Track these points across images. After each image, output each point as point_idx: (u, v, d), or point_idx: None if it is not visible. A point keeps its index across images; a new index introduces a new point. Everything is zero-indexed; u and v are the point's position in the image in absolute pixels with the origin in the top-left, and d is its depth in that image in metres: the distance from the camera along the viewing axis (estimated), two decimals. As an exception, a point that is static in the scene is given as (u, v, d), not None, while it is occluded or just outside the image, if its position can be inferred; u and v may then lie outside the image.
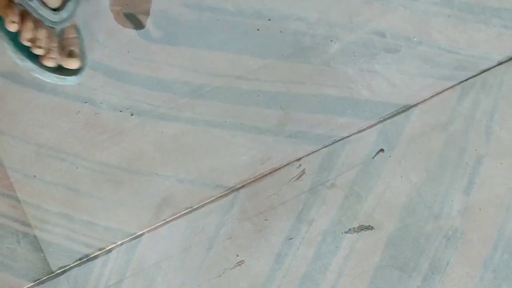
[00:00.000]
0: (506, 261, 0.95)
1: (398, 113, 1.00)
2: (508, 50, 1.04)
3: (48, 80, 0.92)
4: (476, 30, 1.05)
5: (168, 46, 1.01)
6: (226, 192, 0.98)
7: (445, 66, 1.02)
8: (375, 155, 0.99)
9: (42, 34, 0.88)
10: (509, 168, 0.99)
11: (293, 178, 0.98)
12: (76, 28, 0.93)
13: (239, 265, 0.96)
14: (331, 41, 1.02)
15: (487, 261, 0.96)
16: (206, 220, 0.97)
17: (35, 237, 0.97)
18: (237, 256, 0.96)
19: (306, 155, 0.99)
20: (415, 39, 1.03)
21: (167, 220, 0.97)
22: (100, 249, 0.97)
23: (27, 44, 0.89)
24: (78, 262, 0.96)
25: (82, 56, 0.93)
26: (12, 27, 0.85)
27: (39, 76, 0.91)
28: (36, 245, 0.96)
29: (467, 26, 1.04)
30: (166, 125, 0.99)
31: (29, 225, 0.96)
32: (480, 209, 0.97)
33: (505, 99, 1.01)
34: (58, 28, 0.90)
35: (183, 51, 1.00)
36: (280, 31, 1.01)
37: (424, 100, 1.03)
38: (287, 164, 0.98)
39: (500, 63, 1.04)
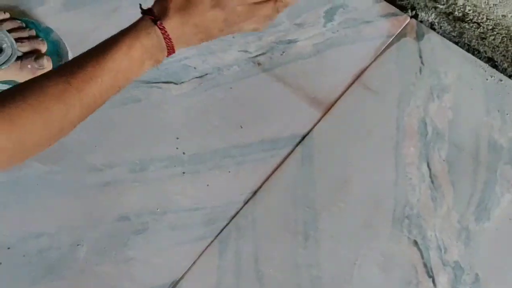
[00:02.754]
0: None
1: (166, 293, 0.96)
2: (249, 186, 1.02)
3: None
4: (212, 178, 1.05)
5: None
6: None
7: (196, 226, 1.00)
8: None
9: None
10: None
11: None
12: None
13: None
14: (78, 245, 0.98)
15: None
16: None
17: None
18: None
19: None
20: (158, 210, 1.01)
21: None
22: None
23: None
24: None
25: None
26: None
27: None
28: None
29: (202, 177, 1.03)
30: None
31: None
32: None
33: (262, 237, 0.99)
34: None
35: None
36: (23, 255, 0.97)
37: (188, 269, 1.00)
38: None
39: (246, 202, 1.01)
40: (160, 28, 0.79)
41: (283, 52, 1.13)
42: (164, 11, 0.81)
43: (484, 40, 1.15)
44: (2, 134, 0.68)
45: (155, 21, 0.80)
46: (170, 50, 0.81)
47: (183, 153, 1.03)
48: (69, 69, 0.75)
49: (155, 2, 0.84)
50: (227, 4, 0.82)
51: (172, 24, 0.81)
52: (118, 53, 0.76)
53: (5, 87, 1.04)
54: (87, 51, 0.76)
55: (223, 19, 0.83)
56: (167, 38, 0.80)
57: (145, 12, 0.82)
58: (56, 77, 0.74)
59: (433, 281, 0.98)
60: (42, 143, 0.74)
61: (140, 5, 0.82)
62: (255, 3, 0.84)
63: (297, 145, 1.05)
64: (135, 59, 0.78)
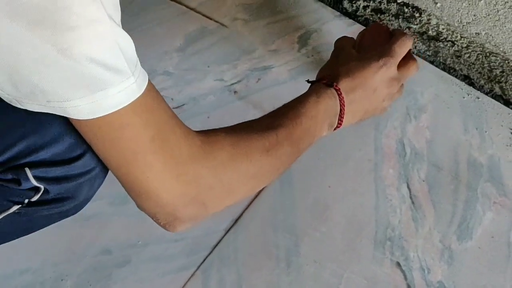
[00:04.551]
0: None
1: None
2: (229, 214, 1.03)
3: None
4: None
5: None
6: None
7: (178, 257, 1.00)
8: None
9: None
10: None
11: None
12: None
13: None
14: (62, 280, 0.98)
15: None
16: None
17: None
18: None
19: None
20: (140, 242, 1.01)
21: None
22: None
23: None
24: None
25: None
26: None
27: None
28: None
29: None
30: None
31: None
32: None
33: (245, 265, 0.99)
34: None
35: None
36: (8, 293, 0.96)
37: (172, 301, 0.96)
38: None
39: (227, 231, 1.01)
40: (336, 89, 0.85)
41: (258, 79, 1.14)
42: (335, 77, 0.87)
43: (459, 58, 1.16)
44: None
45: (330, 84, 0.85)
46: (341, 117, 0.86)
47: (163, 184, 1.03)
48: (275, 115, 0.81)
49: (319, 74, 0.92)
50: (392, 64, 0.89)
51: (344, 87, 0.86)
52: (308, 104, 0.82)
53: None
54: (284, 105, 0.83)
55: (388, 81, 0.89)
56: (342, 100, 0.85)
57: (315, 81, 0.88)
58: (267, 121, 0.79)
59: (417, 303, 0.98)
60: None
61: (308, 79, 0.90)
62: (404, 66, 0.94)
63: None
64: (321, 112, 0.83)
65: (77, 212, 0.92)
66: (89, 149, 0.69)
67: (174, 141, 0.64)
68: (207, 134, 0.69)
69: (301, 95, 0.84)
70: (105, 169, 0.77)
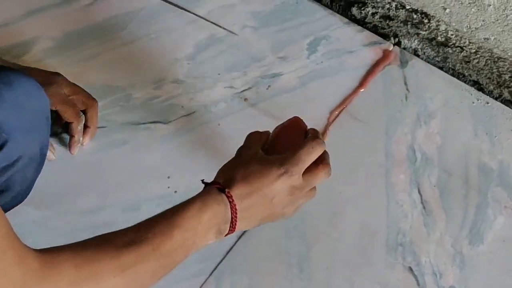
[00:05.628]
0: None
1: None
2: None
3: None
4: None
5: None
6: None
7: (192, 263, 0.98)
8: None
9: None
10: None
11: None
12: None
13: None
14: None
15: None
16: None
17: None
18: None
19: None
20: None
21: None
22: None
23: None
24: None
25: None
26: None
27: None
28: None
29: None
30: None
31: None
32: None
33: (257, 271, 0.99)
34: None
35: None
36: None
37: (186, 309, 0.95)
38: None
39: (239, 237, 1.02)
40: (227, 196, 0.78)
41: (268, 86, 1.14)
42: (230, 181, 0.80)
43: (468, 63, 1.16)
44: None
45: (222, 190, 0.79)
46: (233, 224, 0.79)
47: (175, 191, 1.03)
48: (142, 226, 0.74)
49: (218, 173, 0.84)
50: (294, 173, 0.82)
51: (238, 194, 0.80)
52: (188, 213, 0.76)
53: None
54: (159, 213, 0.75)
55: (289, 189, 0.83)
56: (233, 207, 0.78)
57: (210, 183, 0.82)
58: (130, 234, 0.72)
59: (430, 307, 0.97)
60: None
61: (203, 180, 0.82)
62: (311, 172, 0.85)
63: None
64: (203, 222, 0.76)
65: (23, 200, 0.91)
66: (7, 140, 0.68)
67: (4, 265, 0.57)
68: (50, 253, 0.62)
69: (186, 201, 0.76)
70: (36, 156, 0.76)
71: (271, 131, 0.89)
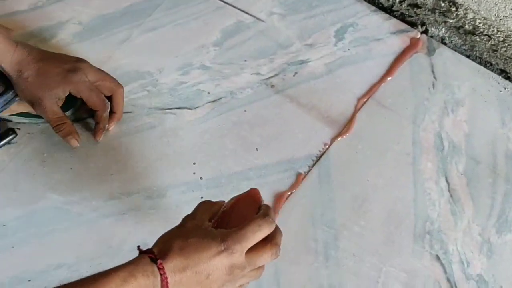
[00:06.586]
0: None
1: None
2: (267, 208, 1.00)
3: None
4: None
5: None
6: None
7: None
8: None
9: None
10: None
11: None
12: None
13: None
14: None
15: None
16: None
17: None
18: None
19: None
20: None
21: None
22: None
23: None
24: None
25: None
26: None
27: None
28: None
29: (221, 202, 1.00)
30: None
31: None
32: None
33: (283, 259, 0.98)
34: None
35: None
36: (45, 287, 0.96)
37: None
38: None
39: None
40: (159, 268, 0.72)
41: (295, 73, 1.14)
42: (166, 252, 0.74)
43: (495, 52, 1.15)
44: None
45: (155, 260, 0.72)
46: None
47: (200, 177, 1.03)
48: None
49: (156, 242, 0.79)
50: (235, 251, 0.76)
51: (172, 266, 0.74)
52: (111, 283, 0.69)
53: (19, 119, 1.05)
54: (78, 280, 0.70)
55: (228, 267, 0.77)
56: (164, 281, 0.72)
57: (145, 251, 0.76)
58: None
59: (458, 296, 0.97)
60: None
61: (138, 246, 0.77)
62: (257, 251, 0.79)
63: (313, 164, 1.05)
64: None
65: None
66: None
67: None
68: None
69: (111, 268, 0.72)
70: None
71: (226, 202, 0.82)
